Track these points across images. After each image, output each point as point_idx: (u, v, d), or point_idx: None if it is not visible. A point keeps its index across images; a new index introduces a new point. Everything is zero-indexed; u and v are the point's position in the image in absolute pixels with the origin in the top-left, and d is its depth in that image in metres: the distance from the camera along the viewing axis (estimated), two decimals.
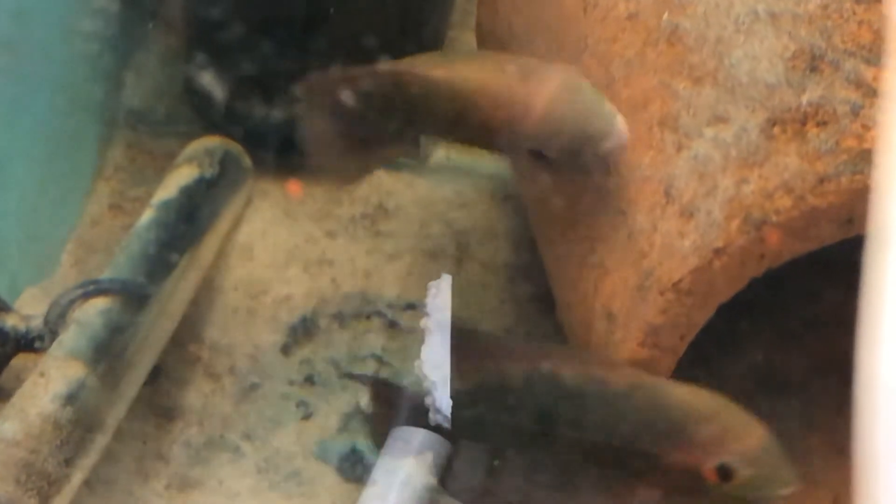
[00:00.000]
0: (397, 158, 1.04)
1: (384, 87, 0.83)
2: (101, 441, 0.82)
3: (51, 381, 0.81)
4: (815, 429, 0.85)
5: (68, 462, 0.79)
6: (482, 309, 1.01)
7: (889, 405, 0.40)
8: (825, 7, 0.76)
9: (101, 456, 0.83)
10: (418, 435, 0.86)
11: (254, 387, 0.96)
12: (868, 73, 0.73)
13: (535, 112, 0.75)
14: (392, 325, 1.00)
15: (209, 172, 1.00)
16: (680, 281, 0.74)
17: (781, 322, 0.76)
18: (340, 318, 1.01)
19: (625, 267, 0.78)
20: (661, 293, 0.75)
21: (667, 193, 0.75)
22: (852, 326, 0.45)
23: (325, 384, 0.96)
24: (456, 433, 0.83)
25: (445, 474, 0.86)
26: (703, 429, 0.71)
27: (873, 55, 0.73)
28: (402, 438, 0.86)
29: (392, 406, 0.87)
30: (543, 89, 0.75)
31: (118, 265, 0.91)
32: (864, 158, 0.71)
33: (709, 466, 0.70)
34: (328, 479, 0.91)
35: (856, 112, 0.73)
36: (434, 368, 0.84)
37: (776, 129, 0.73)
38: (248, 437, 0.93)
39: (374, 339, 0.99)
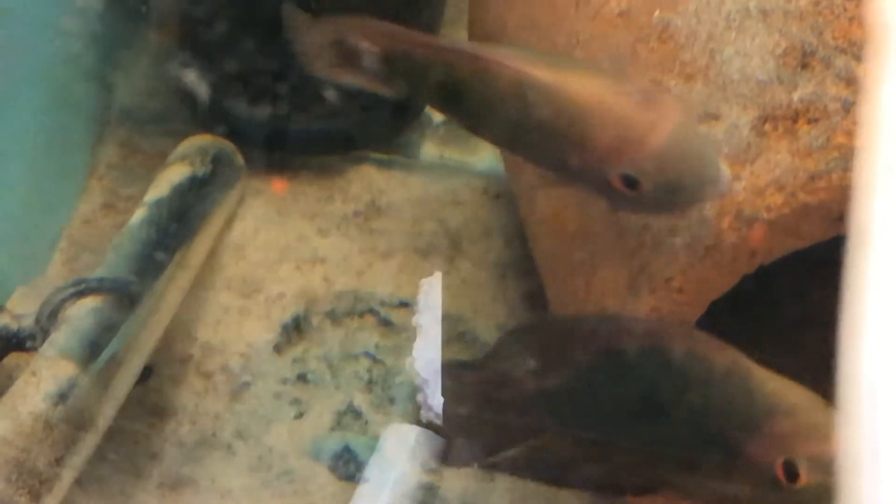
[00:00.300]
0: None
1: (440, 65, 0.77)
2: (92, 440, 0.82)
3: (42, 380, 0.81)
4: None
5: (59, 461, 0.79)
6: (474, 306, 1.01)
7: (870, 403, 0.40)
8: (816, 4, 0.76)
9: (92, 455, 0.83)
10: (412, 432, 0.86)
11: (246, 385, 0.96)
12: (859, 69, 0.73)
13: (652, 142, 0.69)
14: (385, 322, 1.00)
15: (201, 171, 1.00)
16: (671, 278, 0.74)
17: (771, 319, 0.76)
18: (333, 317, 1.01)
19: (617, 265, 0.78)
20: (653, 291, 0.75)
21: None
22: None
23: (317, 382, 0.96)
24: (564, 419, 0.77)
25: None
26: (782, 422, 0.68)
27: (864, 52, 0.73)
28: (396, 436, 0.86)
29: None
30: (666, 121, 0.69)
31: (110, 264, 0.91)
32: (855, 155, 0.71)
33: (777, 460, 0.67)
34: (321, 478, 0.91)
35: (847, 109, 0.72)
36: (426, 365, 0.83)
37: (767, 126, 0.73)
38: (240, 435, 0.93)
39: (367, 337, 0.99)
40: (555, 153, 0.73)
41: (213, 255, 1.02)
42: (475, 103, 0.76)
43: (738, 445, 0.69)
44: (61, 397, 0.80)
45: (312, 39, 0.83)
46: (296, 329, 1.00)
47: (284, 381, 0.96)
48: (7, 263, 0.97)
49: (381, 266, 1.04)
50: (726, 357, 0.70)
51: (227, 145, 1.04)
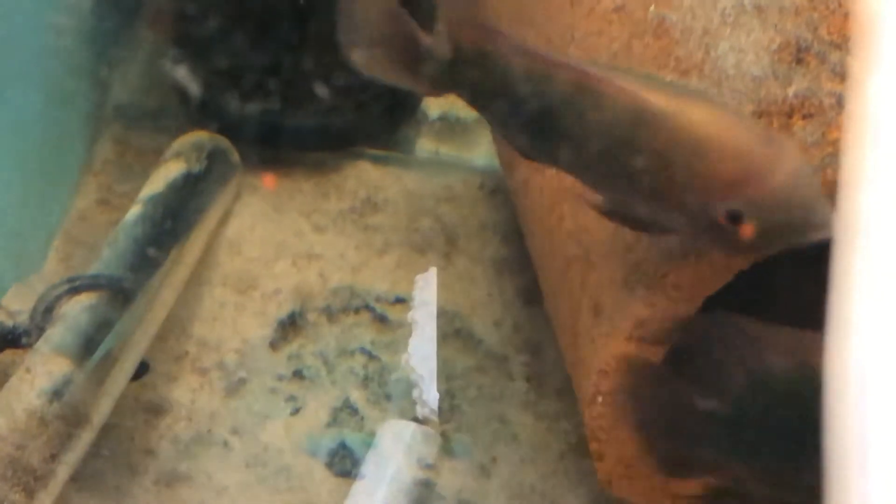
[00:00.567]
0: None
1: (535, 78, 0.70)
2: (87, 436, 0.82)
3: (37, 376, 0.81)
4: None
5: (54, 457, 0.79)
6: (470, 302, 1.01)
7: (859, 397, 0.40)
8: None
9: (88, 451, 0.83)
10: (408, 428, 0.86)
11: (242, 382, 0.96)
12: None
13: (773, 180, 0.66)
14: (381, 319, 1.00)
15: (197, 167, 1.00)
16: (667, 275, 0.74)
17: (766, 315, 0.76)
18: (329, 313, 1.00)
19: (611, 261, 0.78)
20: (648, 287, 0.75)
21: None
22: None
23: (313, 379, 0.96)
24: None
25: None
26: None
27: (851, 45, 0.73)
28: (392, 432, 0.86)
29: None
30: (787, 160, 0.66)
31: (105, 260, 0.91)
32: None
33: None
34: (317, 474, 0.91)
35: (842, 104, 0.72)
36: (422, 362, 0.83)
37: (762, 122, 0.73)
38: (236, 432, 0.93)
39: (363, 334, 0.99)
40: (658, 184, 0.68)
41: (208, 251, 1.02)
42: (569, 125, 0.70)
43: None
44: (56, 394, 0.80)
45: (366, 16, 0.74)
46: (291, 325, 0.99)
47: (280, 378, 0.96)
48: (2, 260, 0.97)
49: (377, 262, 1.04)
50: None
51: (223, 142, 1.04)
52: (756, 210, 0.67)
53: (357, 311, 1.01)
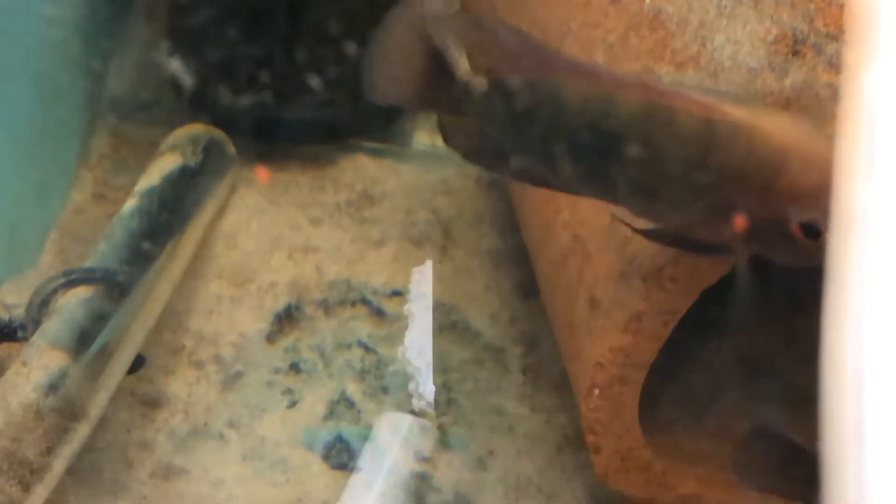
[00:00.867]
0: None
1: (586, 106, 0.65)
2: (83, 430, 0.82)
3: (33, 370, 0.81)
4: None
5: (50, 451, 0.78)
6: (467, 295, 1.01)
7: (856, 390, 0.40)
8: None
9: (84, 445, 0.83)
10: (404, 421, 0.86)
11: (238, 375, 0.96)
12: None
13: None
14: (377, 312, 1.00)
15: (193, 161, 1.00)
16: (663, 268, 0.74)
17: (762, 308, 0.76)
18: (326, 306, 1.00)
19: (608, 253, 0.78)
20: (645, 280, 0.75)
21: None
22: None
23: (310, 372, 0.96)
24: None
25: None
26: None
27: (847, 37, 0.73)
28: (388, 425, 0.86)
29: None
30: None
31: (101, 254, 0.91)
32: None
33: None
34: (314, 467, 0.91)
35: (838, 96, 0.72)
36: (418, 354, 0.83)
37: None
38: (232, 425, 0.93)
39: (360, 327, 0.99)
40: (727, 200, 0.64)
41: (204, 244, 1.02)
42: (633, 149, 0.64)
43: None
44: (52, 387, 0.80)
45: (394, 43, 0.68)
46: (288, 318, 0.99)
47: (277, 371, 0.96)
48: None
49: (374, 255, 1.04)
50: None
51: (219, 135, 1.04)
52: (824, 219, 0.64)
53: (354, 304, 1.01)
